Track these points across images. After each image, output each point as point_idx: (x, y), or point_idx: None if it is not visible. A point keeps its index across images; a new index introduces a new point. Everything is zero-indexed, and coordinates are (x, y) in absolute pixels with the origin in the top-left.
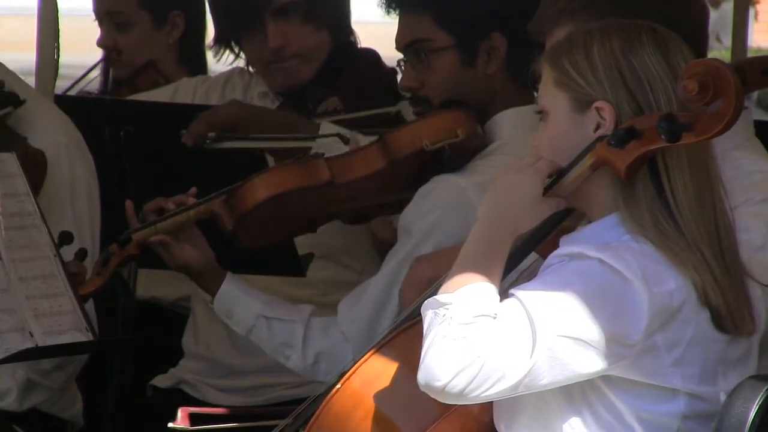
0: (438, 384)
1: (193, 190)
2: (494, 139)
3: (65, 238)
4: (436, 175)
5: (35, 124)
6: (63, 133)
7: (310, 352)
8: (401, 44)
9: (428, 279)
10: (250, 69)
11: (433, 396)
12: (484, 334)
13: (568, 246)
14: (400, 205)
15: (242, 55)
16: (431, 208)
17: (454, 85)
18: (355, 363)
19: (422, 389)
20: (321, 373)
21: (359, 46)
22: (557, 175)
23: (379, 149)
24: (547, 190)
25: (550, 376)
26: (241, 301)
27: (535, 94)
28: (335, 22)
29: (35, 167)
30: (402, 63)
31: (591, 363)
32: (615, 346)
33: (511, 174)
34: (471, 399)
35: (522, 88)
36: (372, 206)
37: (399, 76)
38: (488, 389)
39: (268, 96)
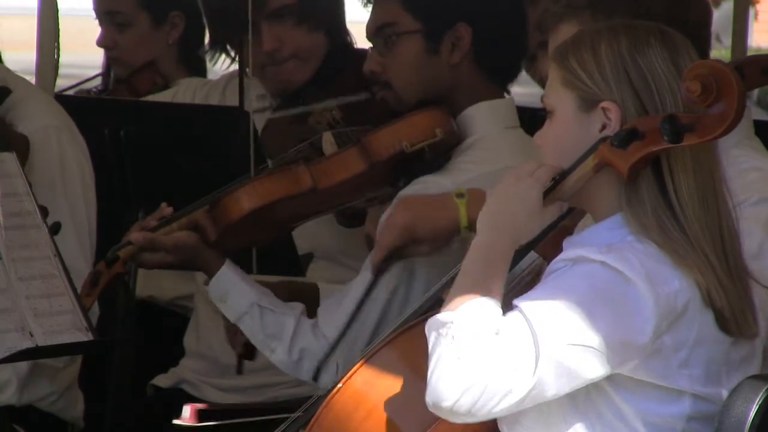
0: (445, 404)
1: (168, 209)
2: (468, 134)
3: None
4: (417, 175)
5: (24, 111)
6: (51, 116)
7: (296, 348)
8: (371, 30)
9: (404, 225)
10: (248, 72)
11: (442, 417)
12: (486, 351)
13: (571, 249)
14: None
15: (214, 69)
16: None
17: (416, 72)
18: (356, 363)
19: (431, 410)
20: (304, 371)
21: (355, 46)
22: (558, 178)
23: (359, 152)
24: (547, 194)
25: (556, 386)
26: (238, 286)
27: (503, 91)
28: (330, 23)
29: (16, 151)
30: (371, 50)
31: (598, 368)
32: (623, 349)
33: (510, 183)
34: (480, 417)
35: (488, 81)
36: (348, 205)
37: None
38: (495, 406)
39: (266, 98)
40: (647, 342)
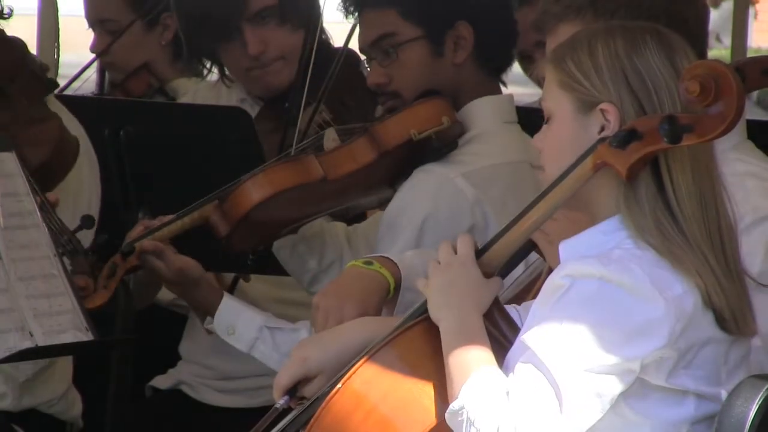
0: None
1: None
2: (469, 128)
3: (86, 221)
4: (422, 164)
5: None
6: (76, 132)
7: None
8: (367, 42)
9: (355, 316)
10: (225, 81)
11: None
12: (506, 415)
13: (570, 261)
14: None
15: (214, 69)
16: (420, 201)
17: (423, 77)
18: (355, 363)
19: None
20: None
21: (334, 45)
22: (485, 244)
23: (367, 142)
24: (481, 254)
25: (589, 413)
26: (244, 313)
27: (502, 85)
28: (310, 22)
29: (69, 151)
30: (368, 63)
31: (621, 383)
32: (641, 358)
33: (442, 273)
34: None
35: (488, 76)
36: (359, 200)
37: None
38: None
39: (247, 102)
40: (664, 346)
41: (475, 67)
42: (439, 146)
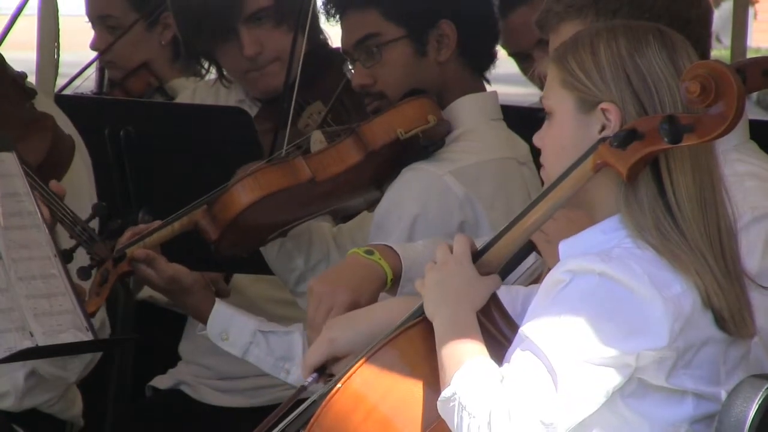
0: None
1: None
2: (455, 125)
3: (98, 210)
4: (409, 163)
5: None
6: (69, 131)
7: None
8: (350, 43)
9: (346, 305)
10: (224, 82)
11: None
12: (500, 398)
13: (570, 258)
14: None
15: (212, 70)
16: (409, 200)
17: (408, 77)
18: (355, 363)
19: None
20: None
21: (332, 45)
22: (482, 248)
23: (354, 142)
24: (481, 254)
25: (588, 402)
26: (237, 319)
27: (484, 81)
28: (299, 22)
29: (64, 148)
30: (351, 64)
31: (619, 377)
32: (639, 355)
33: (437, 271)
34: None
35: (472, 73)
36: (347, 202)
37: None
38: None
39: (245, 102)
40: (665, 346)
41: (459, 65)
42: (426, 145)
